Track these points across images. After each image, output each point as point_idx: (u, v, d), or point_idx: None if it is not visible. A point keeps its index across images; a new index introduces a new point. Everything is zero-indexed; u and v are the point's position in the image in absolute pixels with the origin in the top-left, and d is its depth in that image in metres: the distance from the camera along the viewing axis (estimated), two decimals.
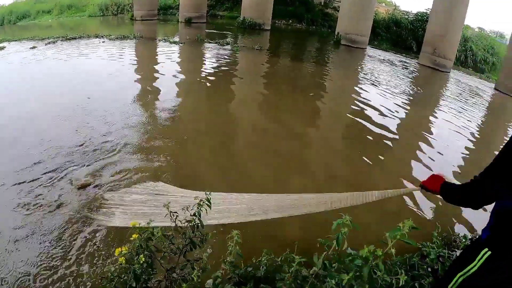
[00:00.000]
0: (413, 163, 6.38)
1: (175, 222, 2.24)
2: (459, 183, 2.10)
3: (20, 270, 3.01)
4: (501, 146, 1.84)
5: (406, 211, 4.75)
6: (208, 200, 2.21)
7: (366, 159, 6.13)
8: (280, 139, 6.52)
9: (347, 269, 1.79)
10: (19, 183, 4.21)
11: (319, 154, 6.40)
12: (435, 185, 2.24)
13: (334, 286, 1.88)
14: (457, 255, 2.58)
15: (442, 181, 2.22)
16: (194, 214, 2.21)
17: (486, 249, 1.92)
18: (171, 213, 2.25)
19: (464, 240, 4.20)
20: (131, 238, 2.27)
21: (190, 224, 2.22)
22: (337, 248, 1.76)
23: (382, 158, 6.35)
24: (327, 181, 5.42)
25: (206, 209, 2.24)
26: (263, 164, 5.60)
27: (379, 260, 1.66)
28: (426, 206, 4.93)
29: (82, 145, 5.24)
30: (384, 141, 7.05)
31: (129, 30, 15.66)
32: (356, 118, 8.01)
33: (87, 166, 4.72)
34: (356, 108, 8.79)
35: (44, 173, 4.46)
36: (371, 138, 7.09)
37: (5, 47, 11.72)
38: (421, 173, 5.82)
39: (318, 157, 6.25)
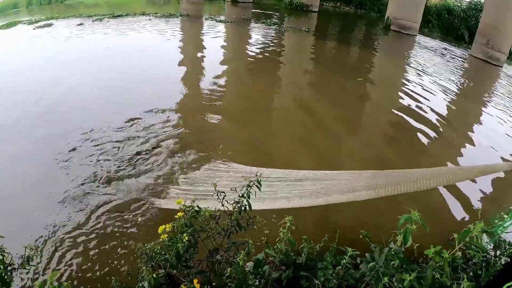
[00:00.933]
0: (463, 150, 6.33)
1: (221, 202, 2.16)
2: None
3: None
4: None
5: (447, 210, 4.54)
6: (259, 181, 2.12)
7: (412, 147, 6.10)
8: (324, 122, 6.48)
9: (409, 268, 1.67)
10: None
11: (367, 137, 6.35)
12: None
13: (390, 284, 1.77)
14: (504, 263, 2.44)
15: None
16: (242, 195, 2.12)
17: None
18: (219, 193, 2.18)
19: (509, 247, 3.97)
20: (176, 216, 2.21)
21: (238, 205, 2.13)
22: (403, 246, 1.63)
23: (427, 148, 6.20)
24: (374, 164, 5.28)
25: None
26: (308, 145, 5.63)
27: (444, 262, 1.52)
28: (471, 206, 4.70)
29: None
30: (429, 133, 6.78)
31: (175, 9, 15.67)
32: (402, 108, 7.78)
33: None
34: (403, 97, 8.52)
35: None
36: (418, 128, 6.86)
37: (52, 24, 12.00)
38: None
39: (366, 140, 6.21)
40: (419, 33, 18.08)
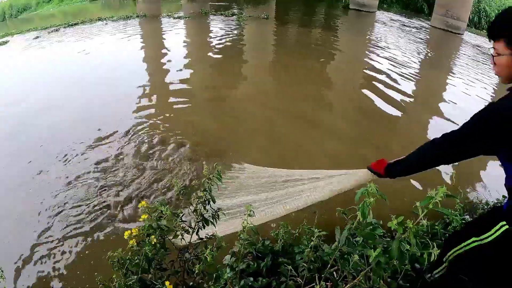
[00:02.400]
0: (430, 124, 6.31)
1: (184, 198, 2.09)
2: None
3: None
4: None
5: (429, 178, 4.55)
6: (219, 173, 2.05)
7: (381, 121, 6.17)
8: (291, 105, 6.52)
9: (374, 244, 1.62)
10: None
11: (333, 118, 6.33)
12: (380, 167, 2.25)
13: (358, 263, 1.74)
14: (477, 216, 2.48)
15: (386, 163, 2.23)
16: (205, 190, 2.06)
17: (504, 223, 1.84)
18: (181, 191, 2.10)
19: (486, 207, 4.03)
20: (140, 219, 2.13)
21: (201, 200, 2.06)
22: (361, 220, 1.58)
23: (398, 122, 6.28)
24: (343, 144, 5.40)
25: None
26: (275, 130, 5.60)
27: (409, 233, 1.48)
28: (449, 172, 4.74)
29: None
30: (398, 104, 6.87)
31: (132, 10, 15.45)
32: (368, 83, 7.88)
33: None
34: (368, 72, 8.61)
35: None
36: (385, 102, 6.93)
37: (8, 41, 11.74)
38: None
39: (332, 121, 6.17)
40: (378, 10, 18.23)
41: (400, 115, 6.46)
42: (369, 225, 1.62)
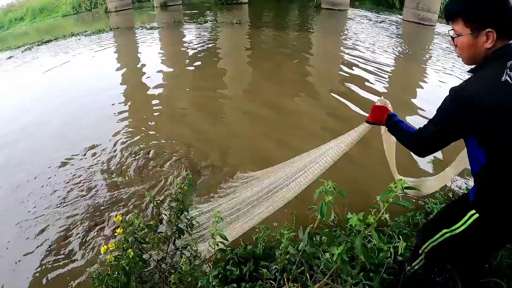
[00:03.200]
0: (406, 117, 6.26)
1: (158, 209, 2.07)
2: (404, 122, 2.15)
3: None
4: None
5: (405, 167, 4.59)
6: (190, 181, 2.05)
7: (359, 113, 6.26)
8: (268, 109, 6.52)
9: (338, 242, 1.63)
10: None
11: (310, 116, 6.40)
12: (380, 118, 2.29)
13: (323, 262, 1.74)
14: (446, 205, 2.51)
15: (386, 113, 2.26)
16: (177, 200, 2.05)
17: (474, 211, 1.86)
18: (155, 201, 2.09)
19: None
20: (115, 234, 2.11)
21: (174, 211, 2.05)
22: (323, 219, 1.58)
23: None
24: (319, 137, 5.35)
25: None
26: (256, 132, 5.71)
27: (371, 228, 1.49)
28: (426, 160, 4.80)
29: None
30: (374, 99, 6.90)
31: (105, 24, 15.30)
32: (344, 80, 7.95)
33: None
34: (343, 69, 8.69)
35: None
36: (361, 98, 7.04)
37: None
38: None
39: (310, 119, 6.25)
40: (350, 7, 18.38)
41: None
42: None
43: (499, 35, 1.70)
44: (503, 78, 1.64)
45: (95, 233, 3.60)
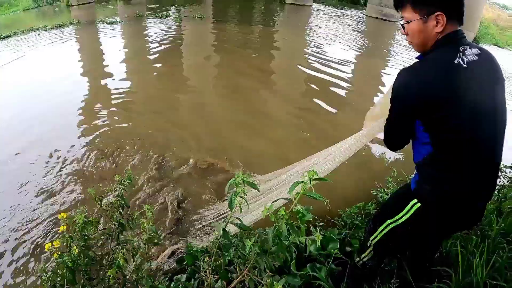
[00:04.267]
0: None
1: (100, 205, 2.07)
2: None
3: None
4: None
5: (359, 159, 4.70)
6: (129, 177, 2.05)
7: (325, 107, 6.44)
8: (235, 102, 6.66)
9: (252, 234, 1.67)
10: None
11: (278, 110, 6.49)
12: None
13: (233, 255, 1.76)
14: (389, 198, 2.57)
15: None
16: (118, 195, 2.05)
17: (415, 201, 1.90)
18: (96, 197, 2.08)
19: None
20: (59, 231, 2.09)
21: (114, 206, 2.05)
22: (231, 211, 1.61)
23: (338, 110, 6.45)
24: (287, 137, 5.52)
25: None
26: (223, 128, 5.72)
27: (281, 222, 1.51)
28: (379, 151, 4.94)
29: None
30: (338, 93, 7.09)
31: (66, 18, 14.87)
32: (308, 75, 8.09)
33: None
34: (307, 64, 8.82)
35: None
36: (325, 92, 7.18)
37: None
38: None
39: (278, 114, 6.32)
40: (315, 3, 18.52)
41: (338, 107, 6.66)
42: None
43: (449, 19, 1.72)
44: (455, 61, 1.66)
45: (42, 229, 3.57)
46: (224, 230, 1.62)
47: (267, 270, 1.60)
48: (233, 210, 1.57)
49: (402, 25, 1.86)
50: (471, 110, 1.67)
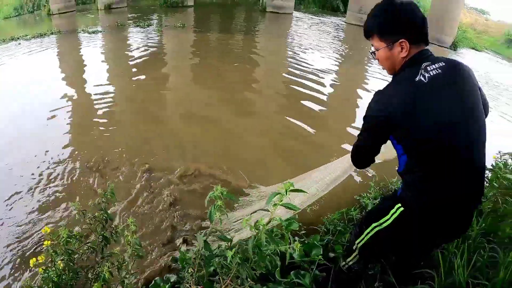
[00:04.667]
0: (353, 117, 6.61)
1: (84, 219, 2.09)
2: None
3: None
4: None
5: None
6: (112, 191, 2.07)
7: (304, 117, 6.47)
8: (215, 112, 6.67)
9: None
10: None
11: (258, 119, 6.59)
12: None
13: (218, 266, 1.80)
14: (376, 204, 2.65)
15: None
16: (101, 209, 2.07)
17: (399, 205, 1.97)
18: (79, 211, 2.10)
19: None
20: (44, 246, 2.10)
21: (98, 220, 2.07)
22: (211, 223, 1.67)
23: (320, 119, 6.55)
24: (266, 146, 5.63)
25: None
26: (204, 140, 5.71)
27: (261, 232, 1.57)
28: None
29: None
30: (319, 99, 7.19)
31: (47, 27, 14.69)
32: (289, 82, 8.23)
33: None
34: (288, 72, 8.96)
35: None
36: (307, 99, 7.28)
37: None
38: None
39: (257, 124, 6.40)
40: (295, 11, 18.67)
41: (322, 113, 6.81)
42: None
43: (413, 43, 1.90)
44: (416, 78, 1.81)
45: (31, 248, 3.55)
46: (205, 241, 1.67)
47: (248, 279, 1.65)
48: (213, 222, 1.62)
49: (371, 52, 2.07)
50: (435, 120, 1.79)
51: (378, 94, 1.92)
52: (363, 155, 2.15)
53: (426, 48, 1.95)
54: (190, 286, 1.87)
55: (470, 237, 2.87)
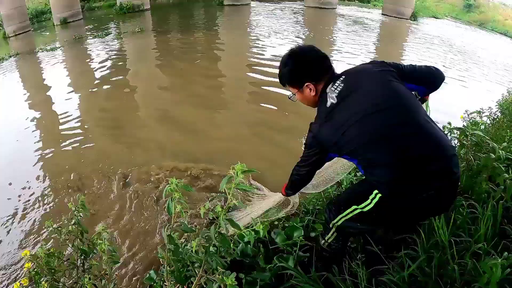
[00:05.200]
0: None
1: (60, 235, 2.08)
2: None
3: None
4: None
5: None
6: (83, 203, 2.07)
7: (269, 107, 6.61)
8: (182, 110, 6.79)
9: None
10: None
11: (227, 116, 6.67)
12: (283, 190, 2.84)
13: (188, 259, 1.83)
14: (355, 184, 2.71)
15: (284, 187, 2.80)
16: (75, 223, 2.07)
17: (377, 191, 2.03)
18: (54, 228, 2.10)
19: None
20: (24, 268, 2.10)
21: (73, 234, 2.07)
22: (170, 215, 1.70)
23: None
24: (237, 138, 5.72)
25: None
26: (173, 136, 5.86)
27: (220, 217, 1.60)
28: None
29: None
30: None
31: (5, 51, 14.32)
32: (254, 73, 8.33)
33: None
34: (253, 61, 9.10)
35: None
36: (271, 85, 7.40)
37: None
38: None
39: (226, 119, 6.50)
40: (253, 0, 18.65)
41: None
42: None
43: (317, 82, 2.21)
44: (328, 104, 2.09)
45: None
46: (169, 235, 1.69)
47: (218, 268, 1.68)
48: (173, 215, 1.64)
49: (289, 97, 2.43)
50: (362, 124, 1.98)
51: (311, 127, 2.20)
52: (304, 173, 2.43)
53: (326, 72, 2.24)
54: (166, 283, 1.90)
55: None
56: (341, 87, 2.08)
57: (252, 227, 1.62)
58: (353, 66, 2.30)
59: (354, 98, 2.03)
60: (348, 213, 2.20)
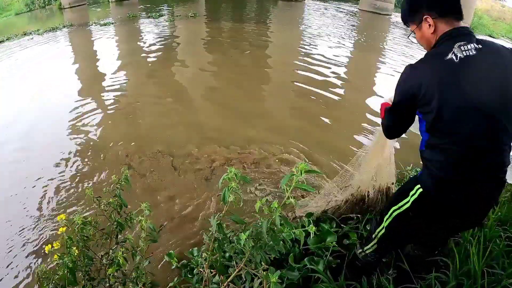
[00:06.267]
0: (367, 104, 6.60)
1: (99, 206, 2.09)
2: None
3: None
4: None
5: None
6: (126, 177, 2.06)
7: (321, 104, 6.55)
8: (231, 100, 6.72)
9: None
10: None
11: (273, 106, 6.63)
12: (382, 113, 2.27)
13: (230, 249, 1.77)
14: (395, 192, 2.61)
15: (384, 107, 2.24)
16: (115, 195, 2.07)
17: (419, 186, 1.92)
18: (94, 197, 2.10)
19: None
20: (59, 232, 2.10)
21: (112, 206, 2.07)
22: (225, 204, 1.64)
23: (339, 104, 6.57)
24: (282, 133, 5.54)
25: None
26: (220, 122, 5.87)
27: (275, 213, 1.53)
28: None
29: None
30: (333, 89, 7.09)
31: (59, 21, 14.71)
32: (303, 71, 8.10)
33: None
34: (300, 60, 8.83)
35: None
36: (320, 87, 7.18)
37: None
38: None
39: (273, 110, 6.46)
40: None
41: (336, 100, 6.77)
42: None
43: (438, 17, 1.86)
44: (447, 57, 1.74)
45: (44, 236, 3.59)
46: (219, 224, 1.64)
47: (262, 263, 1.62)
48: (227, 204, 1.59)
49: (408, 37, 2.22)
50: (462, 104, 1.72)
51: (407, 69, 1.90)
52: (392, 127, 2.14)
53: (464, 26, 1.86)
54: (204, 270, 1.86)
55: (486, 225, 2.82)
56: (472, 53, 1.73)
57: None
58: (491, 40, 1.88)
59: (478, 78, 1.73)
60: (387, 218, 2.13)
